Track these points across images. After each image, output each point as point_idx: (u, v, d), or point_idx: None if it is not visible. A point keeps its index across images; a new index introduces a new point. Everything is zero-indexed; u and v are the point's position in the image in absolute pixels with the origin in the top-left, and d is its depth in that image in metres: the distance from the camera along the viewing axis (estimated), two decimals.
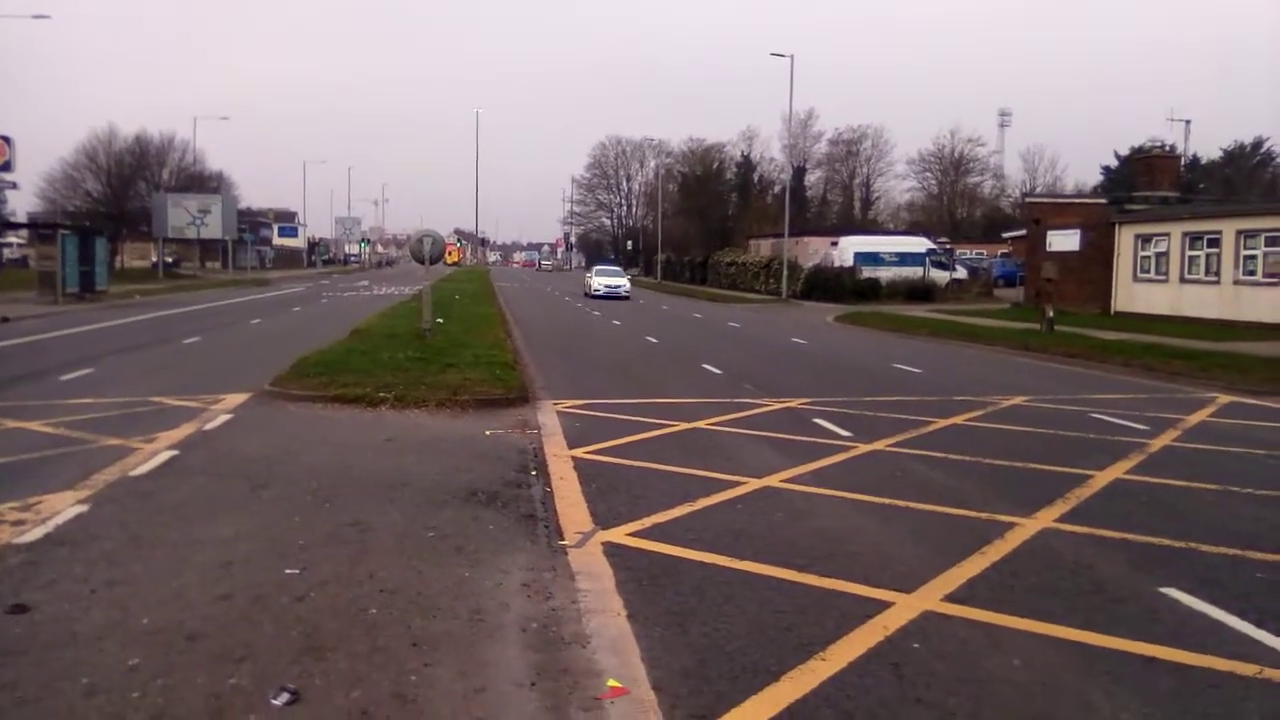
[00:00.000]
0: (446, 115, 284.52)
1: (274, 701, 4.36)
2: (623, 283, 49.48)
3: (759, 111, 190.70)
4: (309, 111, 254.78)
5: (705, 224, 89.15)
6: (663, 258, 78.80)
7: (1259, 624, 5.55)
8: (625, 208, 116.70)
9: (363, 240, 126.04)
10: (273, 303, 41.19)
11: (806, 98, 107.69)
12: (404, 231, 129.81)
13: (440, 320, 24.07)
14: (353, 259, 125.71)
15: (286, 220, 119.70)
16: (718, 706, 4.48)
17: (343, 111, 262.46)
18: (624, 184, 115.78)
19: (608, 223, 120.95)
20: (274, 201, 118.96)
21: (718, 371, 18.19)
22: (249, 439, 10.57)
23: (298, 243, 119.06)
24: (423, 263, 20.95)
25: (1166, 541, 7.21)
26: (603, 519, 7.62)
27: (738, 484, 8.83)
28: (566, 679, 4.74)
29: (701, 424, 12.14)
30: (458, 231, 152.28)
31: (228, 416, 11.92)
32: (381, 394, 13.04)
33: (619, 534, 7.21)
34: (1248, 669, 4.95)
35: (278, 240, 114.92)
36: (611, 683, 4.69)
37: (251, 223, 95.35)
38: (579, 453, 10.20)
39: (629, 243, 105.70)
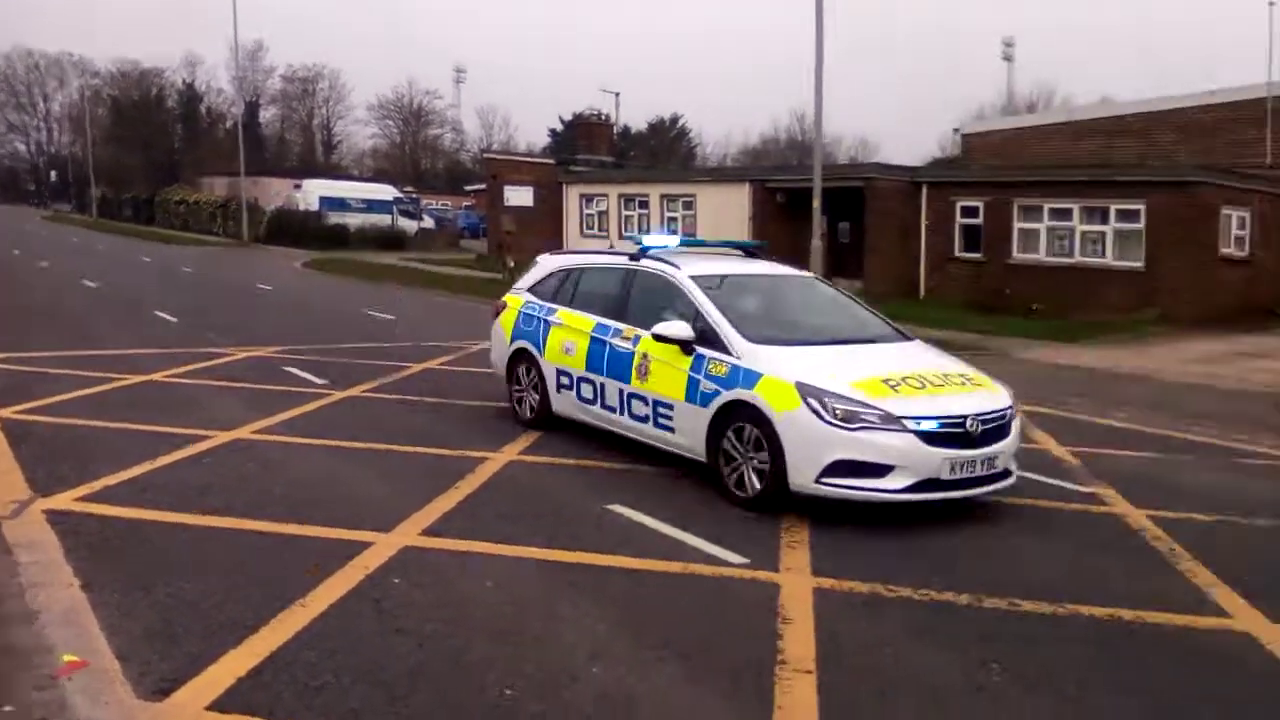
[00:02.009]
0: None
1: None
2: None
3: (201, 38, 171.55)
4: None
5: (149, 156, 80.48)
6: (98, 193, 69.72)
7: (683, 528, 6.53)
8: (45, 132, 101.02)
9: None
10: None
11: (254, 28, 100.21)
12: None
13: None
14: None
15: None
16: (192, 667, 4.28)
17: None
18: (41, 104, 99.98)
19: (23, 148, 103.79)
20: None
21: (174, 320, 16.78)
22: None
23: None
24: None
25: (612, 465, 8.15)
26: (42, 485, 6.80)
27: (204, 438, 8.33)
28: (14, 659, 4.23)
29: (158, 376, 11.19)
30: None
31: None
32: None
33: (65, 500, 6.50)
34: (674, 566, 5.85)
35: None
36: (67, 657, 4.27)
37: None
38: (6, 413, 8.89)
39: (52, 173, 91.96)
